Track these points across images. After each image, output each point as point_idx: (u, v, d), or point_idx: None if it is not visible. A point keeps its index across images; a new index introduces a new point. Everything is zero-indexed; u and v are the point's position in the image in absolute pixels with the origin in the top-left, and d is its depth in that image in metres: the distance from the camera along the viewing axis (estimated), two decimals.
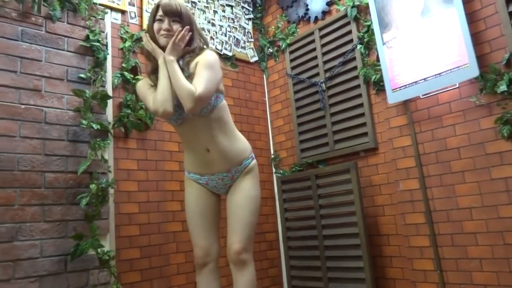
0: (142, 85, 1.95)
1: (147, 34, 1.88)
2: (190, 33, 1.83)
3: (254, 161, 1.97)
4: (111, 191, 2.48)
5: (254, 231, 1.93)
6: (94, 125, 2.44)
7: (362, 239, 2.74)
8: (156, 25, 1.84)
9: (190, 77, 1.79)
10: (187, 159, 1.97)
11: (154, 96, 1.81)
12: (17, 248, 2.10)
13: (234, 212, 1.87)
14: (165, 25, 1.82)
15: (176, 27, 1.81)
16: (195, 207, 1.95)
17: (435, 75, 2.51)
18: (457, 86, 2.49)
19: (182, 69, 1.80)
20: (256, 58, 3.74)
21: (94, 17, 2.64)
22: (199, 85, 1.70)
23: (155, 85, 1.86)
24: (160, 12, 1.83)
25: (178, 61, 1.81)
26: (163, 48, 1.83)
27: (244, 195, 1.87)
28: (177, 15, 1.82)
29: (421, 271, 2.58)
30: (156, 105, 1.79)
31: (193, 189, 1.96)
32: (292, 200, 3.27)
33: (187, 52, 1.86)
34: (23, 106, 2.26)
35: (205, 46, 1.94)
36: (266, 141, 3.65)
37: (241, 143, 1.94)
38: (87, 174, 2.40)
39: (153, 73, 1.91)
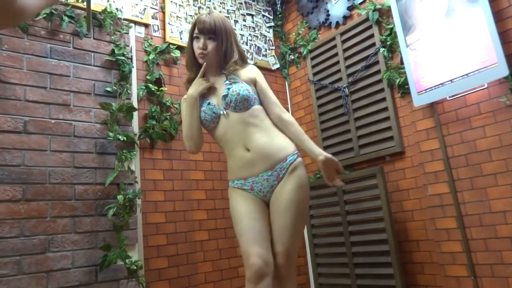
0: (183, 103, 1.96)
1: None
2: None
3: (300, 158, 1.79)
4: (139, 201, 2.52)
5: (300, 240, 1.76)
6: (120, 137, 2.49)
7: (391, 246, 2.68)
8: (194, 44, 1.87)
9: (232, 80, 1.83)
10: (230, 167, 1.87)
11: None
12: (50, 260, 2.15)
13: (277, 217, 1.71)
14: (200, 43, 1.83)
15: (211, 45, 1.82)
16: (244, 212, 1.73)
17: (462, 76, 2.45)
18: (486, 86, 2.43)
19: (226, 76, 1.83)
20: (277, 66, 3.74)
21: (119, 31, 2.71)
22: (281, 107, 1.86)
23: None
24: (196, 30, 1.85)
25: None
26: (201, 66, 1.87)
27: (287, 199, 1.69)
28: (211, 32, 1.82)
29: (454, 277, 2.50)
30: (184, 139, 1.90)
31: (240, 197, 1.78)
32: (318, 207, 3.23)
33: (230, 65, 1.86)
34: (53, 121, 2.33)
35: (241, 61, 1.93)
36: None
37: (283, 138, 1.81)
38: (114, 185, 2.45)
39: (189, 83, 1.93)
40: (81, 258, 2.25)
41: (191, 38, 1.88)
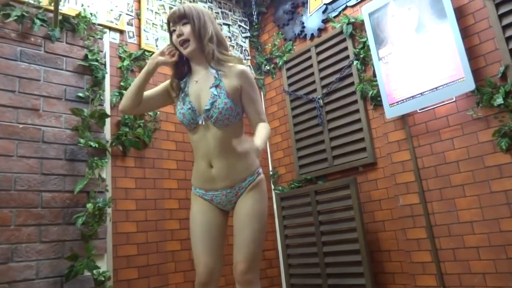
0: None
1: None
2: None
3: (260, 176, 1.88)
4: (109, 210, 2.46)
5: (261, 249, 1.83)
6: (92, 144, 2.44)
7: (363, 256, 2.70)
8: (174, 38, 1.84)
9: (219, 87, 1.80)
10: (194, 173, 1.91)
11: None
12: (12, 270, 2.06)
13: (238, 229, 1.79)
14: (177, 32, 1.81)
15: (186, 29, 1.80)
16: (199, 223, 1.85)
17: (432, 89, 2.52)
18: (454, 100, 2.51)
19: (213, 69, 1.81)
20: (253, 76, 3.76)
21: (93, 37, 2.67)
22: (262, 117, 1.86)
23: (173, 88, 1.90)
24: (171, 24, 1.85)
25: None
26: (189, 60, 1.88)
27: (247, 212, 1.80)
28: (183, 18, 1.81)
29: (424, 287, 2.53)
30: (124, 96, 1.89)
31: (199, 205, 1.88)
32: (291, 217, 3.23)
33: (208, 50, 1.81)
34: (21, 126, 2.26)
35: (224, 52, 1.87)
36: (265, 158, 3.64)
37: (247, 160, 1.84)
38: (84, 193, 2.38)
39: (174, 77, 1.90)
40: (46, 269, 2.17)
41: (170, 34, 1.86)
